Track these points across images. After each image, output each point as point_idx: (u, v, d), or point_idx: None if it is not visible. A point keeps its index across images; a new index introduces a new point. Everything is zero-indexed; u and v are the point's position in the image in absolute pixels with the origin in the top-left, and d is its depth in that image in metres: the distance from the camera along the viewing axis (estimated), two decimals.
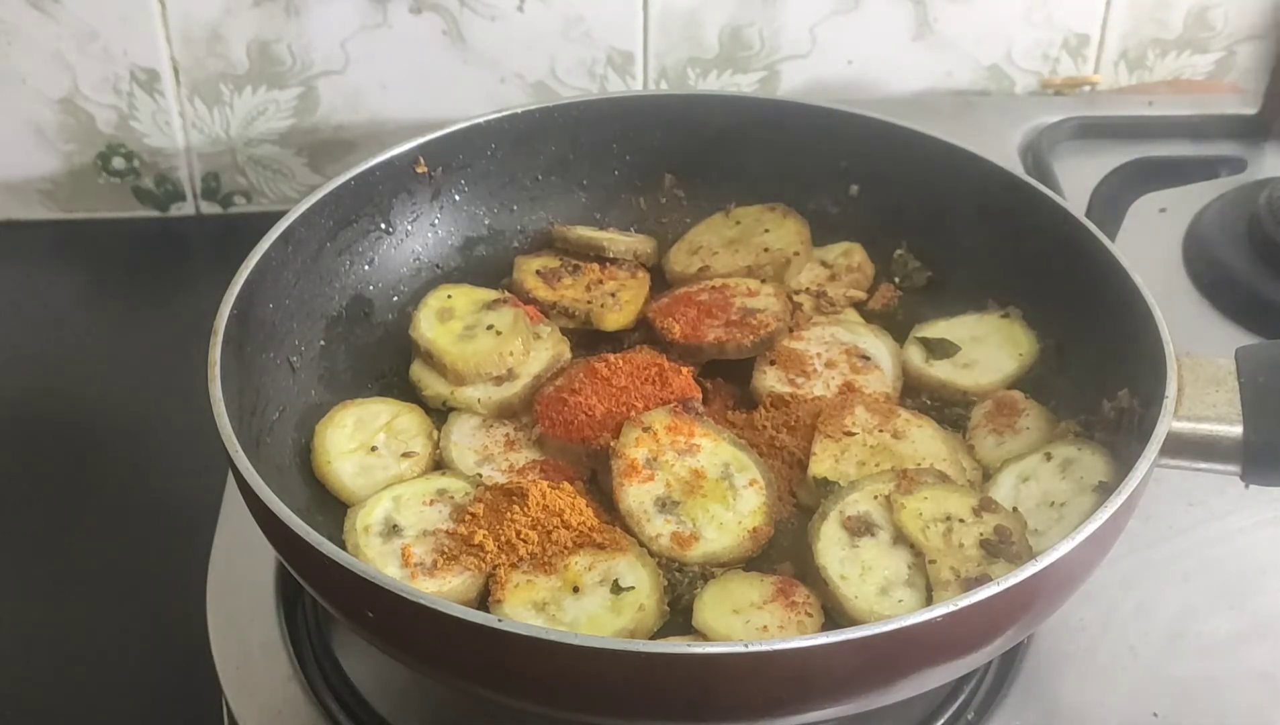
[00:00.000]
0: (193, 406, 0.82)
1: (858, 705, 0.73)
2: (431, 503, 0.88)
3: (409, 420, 0.95)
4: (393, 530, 0.85)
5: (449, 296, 1.02)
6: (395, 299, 1.05)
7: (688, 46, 1.45)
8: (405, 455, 0.92)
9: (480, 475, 0.91)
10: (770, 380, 0.98)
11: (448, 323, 1.00)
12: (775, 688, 0.68)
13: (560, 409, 0.93)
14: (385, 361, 1.02)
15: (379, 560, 0.83)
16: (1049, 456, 0.88)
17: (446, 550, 0.84)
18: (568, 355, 0.99)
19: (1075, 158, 1.38)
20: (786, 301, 1.03)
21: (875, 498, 0.86)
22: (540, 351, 0.99)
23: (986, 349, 0.99)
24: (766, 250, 1.08)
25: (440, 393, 0.97)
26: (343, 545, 0.84)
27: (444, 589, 0.81)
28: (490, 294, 1.03)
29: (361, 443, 0.93)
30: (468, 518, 0.85)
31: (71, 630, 1.02)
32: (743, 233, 1.10)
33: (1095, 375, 0.91)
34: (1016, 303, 1.01)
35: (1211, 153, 1.38)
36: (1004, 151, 1.37)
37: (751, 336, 0.99)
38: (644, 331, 1.03)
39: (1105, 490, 0.81)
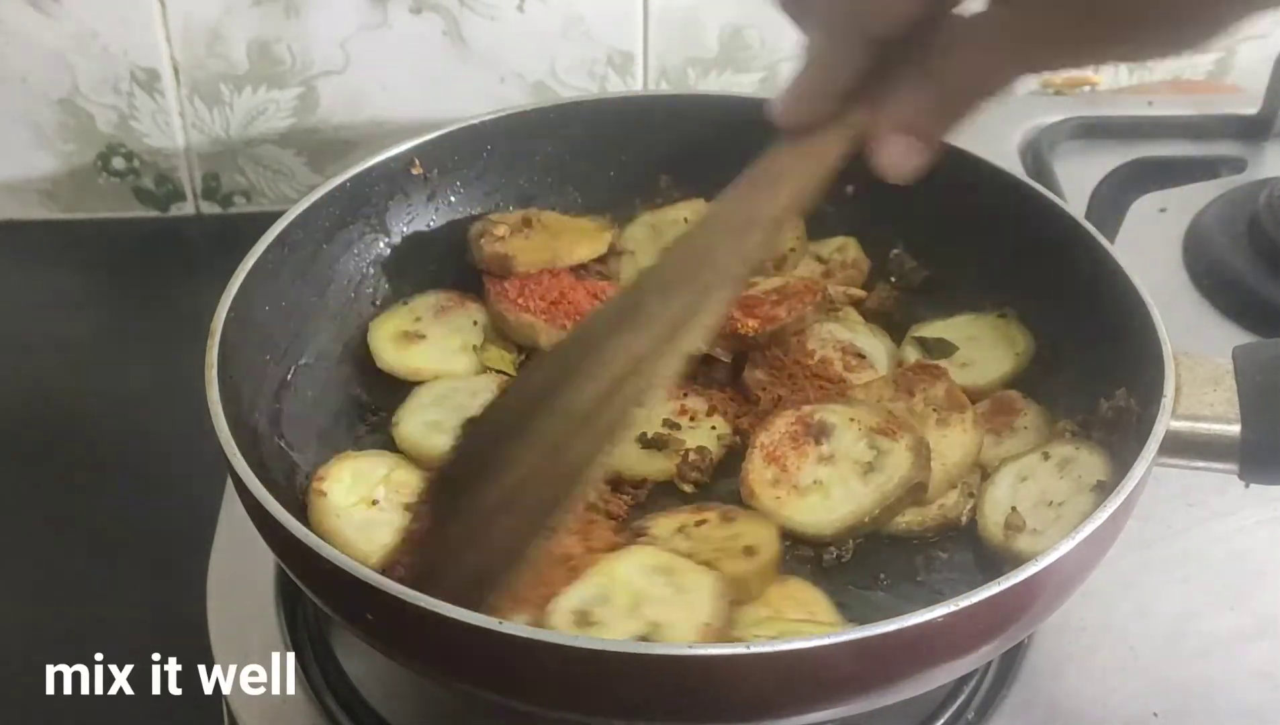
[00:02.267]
0: (193, 407, 0.81)
1: (858, 705, 0.73)
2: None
3: (406, 474, 0.91)
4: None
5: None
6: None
7: (688, 46, 1.45)
8: (408, 507, 0.88)
9: None
10: (761, 375, 0.97)
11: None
12: (775, 688, 0.68)
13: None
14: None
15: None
16: (1047, 456, 0.88)
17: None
18: None
19: (1075, 158, 1.38)
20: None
21: (852, 420, 0.90)
22: None
23: (984, 349, 0.99)
24: None
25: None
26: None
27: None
28: None
29: (362, 497, 0.89)
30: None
31: (70, 630, 1.02)
32: None
33: (1093, 375, 0.91)
34: (1014, 303, 1.01)
35: (1211, 153, 1.38)
36: (1004, 151, 1.36)
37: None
38: None
39: (1104, 490, 0.81)
